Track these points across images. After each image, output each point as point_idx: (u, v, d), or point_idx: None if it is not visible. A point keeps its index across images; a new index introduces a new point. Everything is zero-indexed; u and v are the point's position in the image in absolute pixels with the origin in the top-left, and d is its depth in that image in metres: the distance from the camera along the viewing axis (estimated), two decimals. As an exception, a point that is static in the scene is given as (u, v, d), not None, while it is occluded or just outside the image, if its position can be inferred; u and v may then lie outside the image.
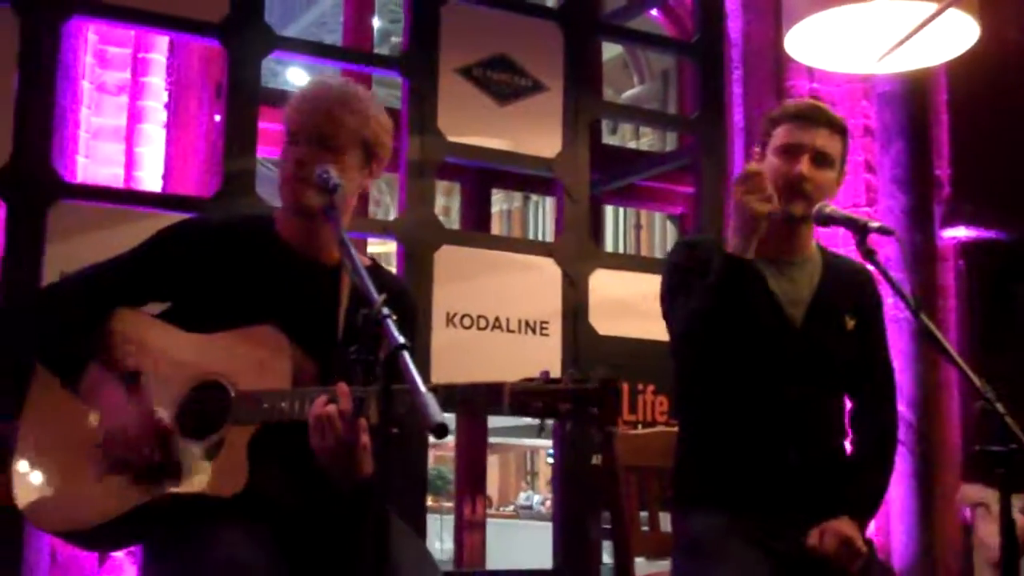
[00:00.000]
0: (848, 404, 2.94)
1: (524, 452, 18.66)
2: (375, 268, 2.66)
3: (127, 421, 2.30)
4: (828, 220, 2.73)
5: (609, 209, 18.33)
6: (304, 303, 2.44)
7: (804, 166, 2.72)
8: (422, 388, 1.73)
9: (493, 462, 19.30)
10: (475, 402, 2.31)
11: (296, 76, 18.03)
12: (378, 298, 1.91)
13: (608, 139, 17.09)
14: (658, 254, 16.57)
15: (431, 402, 1.70)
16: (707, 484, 2.78)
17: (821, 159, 2.74)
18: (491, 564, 6.25)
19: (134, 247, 2.54)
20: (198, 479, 2.28)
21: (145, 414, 2.31)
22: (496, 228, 20.28)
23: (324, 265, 2.52)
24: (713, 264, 2.67)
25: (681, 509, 2.85)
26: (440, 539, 10.55)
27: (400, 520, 2.50)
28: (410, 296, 2.73)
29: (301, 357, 2.36)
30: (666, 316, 2.85)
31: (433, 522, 11.52)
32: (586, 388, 2.17)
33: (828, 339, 2.81)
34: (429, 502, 12.74)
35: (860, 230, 2.62)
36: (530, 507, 14.48)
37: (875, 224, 2.63)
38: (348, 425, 2.13)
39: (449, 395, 2.25)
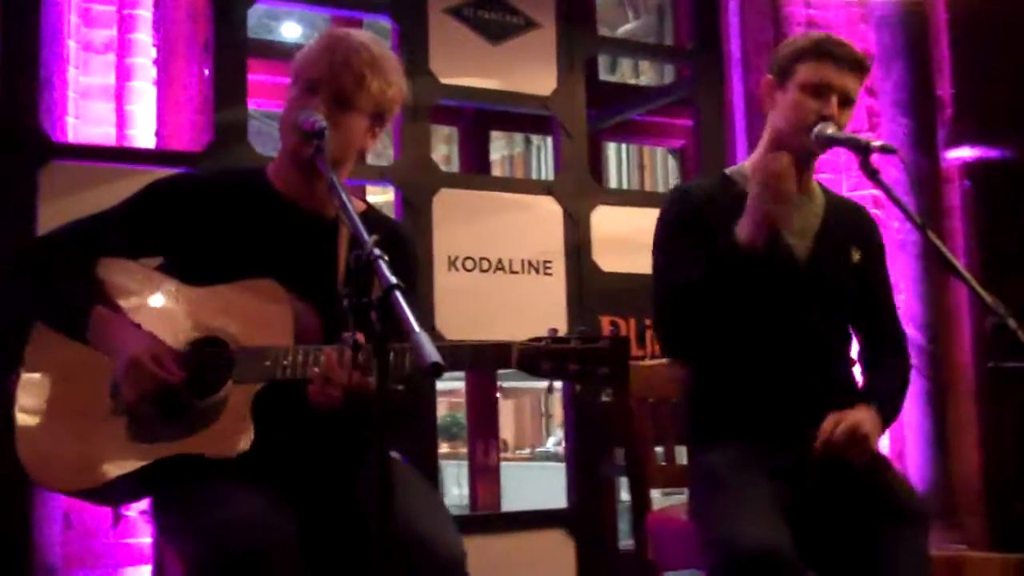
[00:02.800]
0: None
1: (539, 395, 18.72)
2: (371, 212, 2.63)
3: (144, 345, 2.25)
4: (830, 142, 2.72)
5: (611, 150, 18.22)
6: (303, 255, 2.41)
7: (834, 108, 2.71)
8: (416, 328, 1.69)
9: (508, 406, 19.38)
10: (483, 363, 2.30)
11: (290, 30, 17.92)
12: (369, 239, 1.87)
13: (607, 77, 16.94)
14: (661, 190, 16.49)
15: (425, 342, 1.66)
16: (721, 418, 2.78)
17: (846, 101, 2.75)
18: (507, 507, 6.26)
19: (123, 200, 2.49)
20: (202, 439, 2.25)
21: (161, 344, 2.28)
22: (499, 172, 20.18)
23: (323, 217, 2.48)
24: (717, 244, 2.64)
25: (697, 444, 2.85)
26: (458, 484, 10.57)
27: (409, 466, 2.49)
28: (409, 240, 2.68)
29: (302, 309, 2.33)
30: (655, 268, 2.85)
31: (450, 468, 11.58)
32: (595, 348, 2.17)
33: (834, 270, 2.81)
34: (445, 448, 12.87)
35: (863, 150, 2.62)
36: (546, 449, 14.51)
37: (877, 143, 2.62)
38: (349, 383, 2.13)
39: (456, 356, 2.24)
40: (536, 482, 8.48)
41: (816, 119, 2.71)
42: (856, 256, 2.84)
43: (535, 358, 2.17)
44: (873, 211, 4.98)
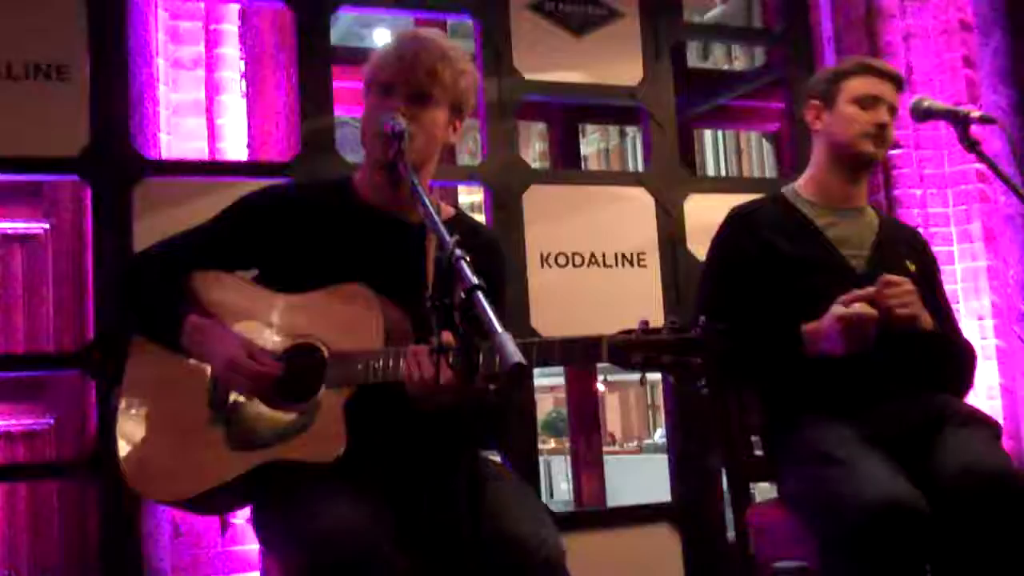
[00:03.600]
0: None
1: (645, 387, 18.65)
2: (460, 217, 2.64)
3: (237, 343, 2.30)
4: (928, 113, 2.77)
5: (708, 137, 18.09)
6: (390, 260, 2.42)
7: (886, 116, 2.87)
8: (498, 328, 1.67)
9: (614, 399, 19.32)
10: (573, 357, 2.30)
11: (382, 37, 18.10)
12: (450, 240, 1.85)
13: (700, 64, 16.78)
14: (759, 174, 16.29)
15: (508, 342, 1.63)
16: (799, 399, 2.79)
17: (893, 113, 2.89)
18: (614, 501, 6.22)
19: (216, 215, 2.55)
20: (297, 445, 2.27)
21: (250, 340, 2.33)
22: (595, 166, 20.15)
23: (410, 222, 2.48)
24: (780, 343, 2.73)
25: (779, 428, 2.85)
26: (567, 479, 10.55)
27: (504, 466, 2.47)
28: (497, 244, 2.68)
29: (393, 312, 2.33)
30: (700, 292, 3.00)
31: (558, 464, 11.57)
32: (687, 338, 2.12)
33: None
34: (553, 444, 12.84)
35: (961, 121, 2.64)
36: (654, 441, 14.44)
37: (976, 114, 2.63)
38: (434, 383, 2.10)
39: (547, 351, 2.20)
40: (644, 475, 8.41)
41: (872, 128, 2.83)
42: (912, 267, 2.87)
43: (626, 351, 2.13)
44: (978, 185, 4.85)
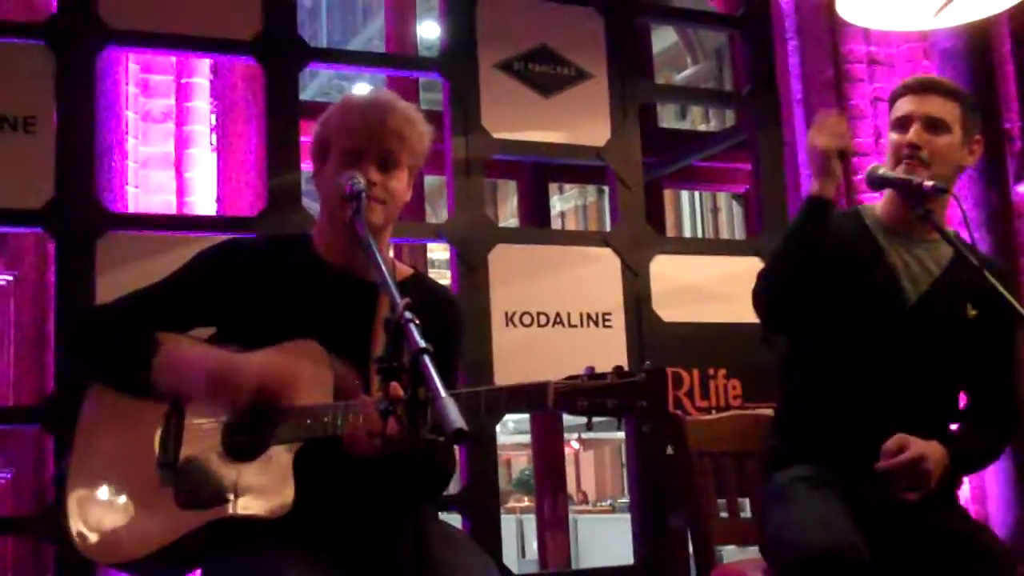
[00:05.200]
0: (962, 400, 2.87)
1: (619, 445, 18.60)
2: (416, 277, 2.63)
3: (218, 356, 2.28)
4: (881, 182, 2.74)
5: (685, 194, 18.21)
6: (343, 318, 2.41)
7: (913, 134, 2.73)
8: (442, 393, 1.66)
9: (588, 457, 19.26)
10: (519, 404, 2.26)
11: (363, 90, 18.19)
12: (400, 302, 1.85)
13: (677, 123, 16.94)
14: (738, 235, 16.38)
15: (450, 407, 1.63)
16: (801, 440, 2.76)
17: (932, 124, 2.74)
18: (587, 561, 6.19)
19: (174, 271, 2.53)
20: (246, 502, 2.25)
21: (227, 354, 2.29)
22: (571, 223, 20.24)
23: (366, 280, 2.47)
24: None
25: (769, 470, 2.81)
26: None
27: (451, 526, 2.46)
28: (455, 306, 2.66)
29: (343, 369, 2.32)
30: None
31: (530, 522, 11.50)
32: (632, 382, 2.14)
33: (943, 321, 2.75)
34: (526, 502, 12.75)
35: (915, 190, 2.61)
36: (627, 500, 14.40)
37: (929, 183, 2.61)
38: (382, 437, 2.07)
39: (494, 399, 2.21)
40: (616, 535, 8.37)
41: (906, 150, 2.73)
42: (972, 312, 2.76)
43: (572, 396, 2.14)
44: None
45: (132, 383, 2.35)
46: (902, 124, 2.76)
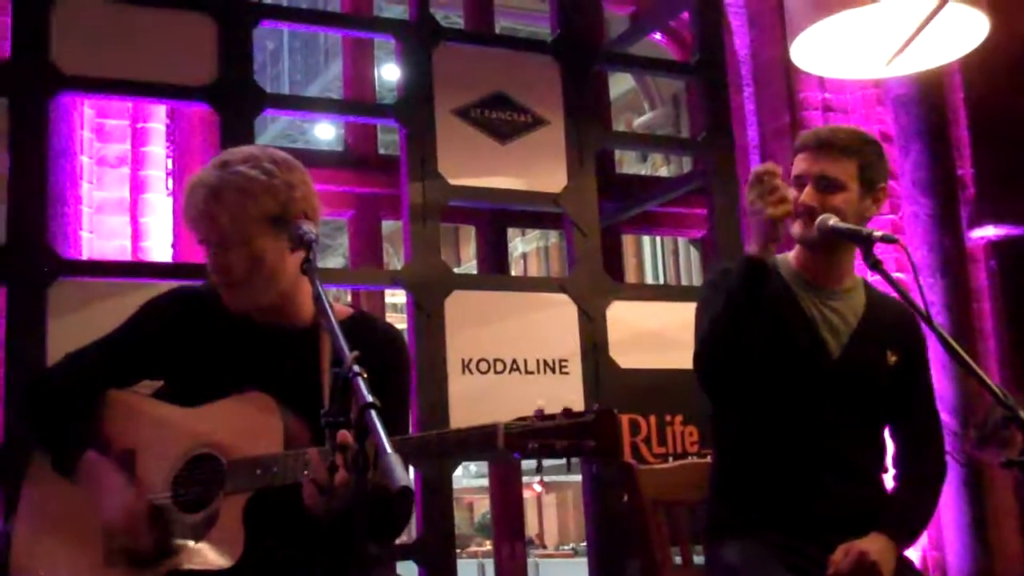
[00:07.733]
0: (890, 443, 2.88)
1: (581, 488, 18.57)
2: (360, 318, 2.61)
3: (124, 510, 2.29)
4: (832, 233, 2.70)
5: (646, 239, 18.29)
6: (285, 367, 2.40)
7: (806, 195, 2.72)
8: (388, 450, 1.66)
9: (551, 501, 19.20)
10: (468, 448, 2.26)
11: (324, 131, 18.18)
12: (349, 356, 1.84)
13: (639, 167, 17.04)
14: (695, 280, 16.45)
15: (395, 465, 1.62)
16: (741, 512, 2.74)
17: (824, 184, 2.72)
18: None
19: (122, 324, 2.54)
20: (196, 554, 2.25)
21: (140, 501, 2.30)
22: (533, 265, 20.26)
23: (297, 326, 2.47)
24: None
25: (715, 539, 2.79)
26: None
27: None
28: (399, 344, 2.63)
29: (291, 419, 2.32)
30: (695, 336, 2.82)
31: (491, 567, 11.43)
32: (580, 422, 2.14)
33: (866, 370, 2.76)
34: (488, 546, 12.67)
35: (864, 241, 2.61)
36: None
37: (879, 234, 2.62)
38: (329, 488, 2.08)
39: (443, 443, 2.23)
40: (576, 579, 8.32)
41: (800, 209, 2.71)
42: (892, 358, 2.79)
43: (521, 438, 2.14)
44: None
45: (61, 473, 2.39)
46: (799, 183, 2.74)
